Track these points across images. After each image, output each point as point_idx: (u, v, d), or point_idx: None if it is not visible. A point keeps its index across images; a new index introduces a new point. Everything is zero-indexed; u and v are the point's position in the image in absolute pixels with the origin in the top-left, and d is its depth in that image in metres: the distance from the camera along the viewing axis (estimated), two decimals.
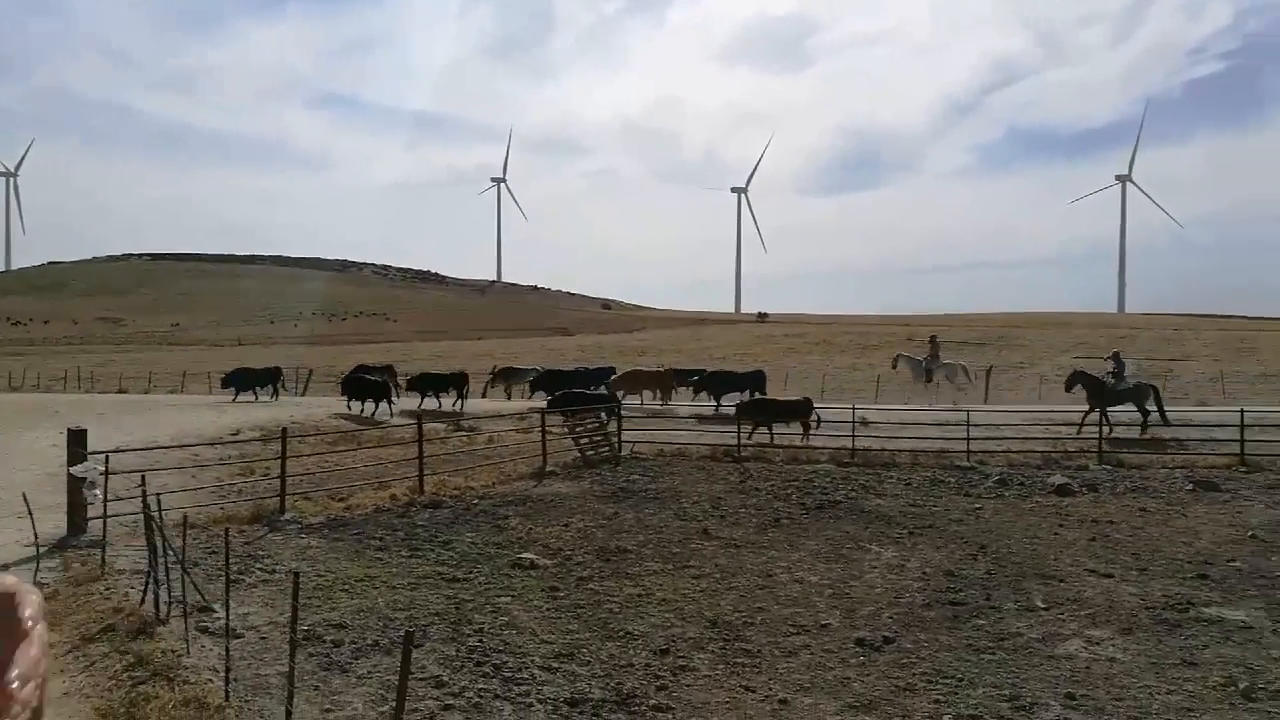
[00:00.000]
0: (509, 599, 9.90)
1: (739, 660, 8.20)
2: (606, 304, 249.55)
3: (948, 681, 7.70)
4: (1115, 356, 23.94)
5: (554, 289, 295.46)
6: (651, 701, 7.22)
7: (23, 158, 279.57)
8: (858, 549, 12.32)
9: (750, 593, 10.31)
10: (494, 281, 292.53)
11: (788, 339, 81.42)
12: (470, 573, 10.93)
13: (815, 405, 22.27)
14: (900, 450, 19.75)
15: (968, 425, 19.55)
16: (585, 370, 33.34)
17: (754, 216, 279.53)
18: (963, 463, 18.84)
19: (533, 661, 8.00)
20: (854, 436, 20.19)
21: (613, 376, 31.36)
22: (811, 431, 21.49)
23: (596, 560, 11.59)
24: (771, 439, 21.64)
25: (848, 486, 16.70)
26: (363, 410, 27.35)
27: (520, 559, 11.47)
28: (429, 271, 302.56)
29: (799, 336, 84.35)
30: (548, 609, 9.63)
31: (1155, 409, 21.83)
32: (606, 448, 20.01)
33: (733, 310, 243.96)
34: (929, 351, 31.35)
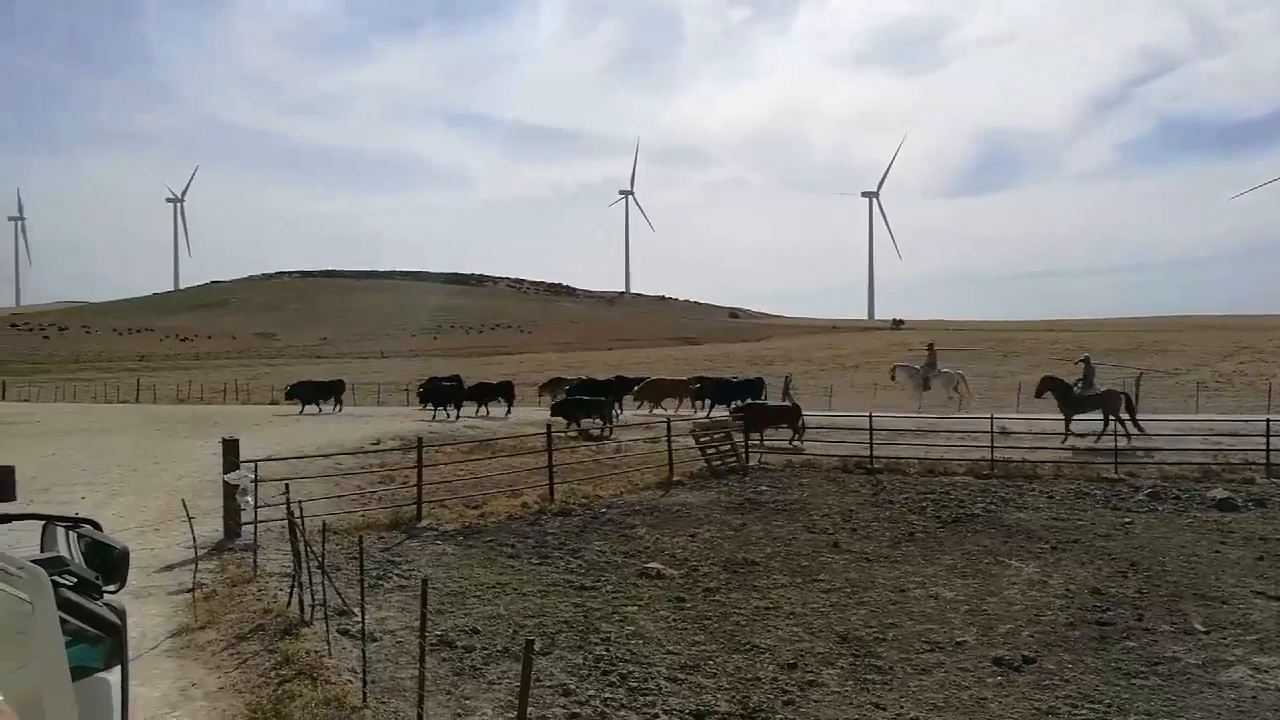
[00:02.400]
0: (636, 608, 9.93)
1: (869, 677, 7.97)
2: (734, 313, 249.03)
3: (1095, 707, 7.26)
4: (1086, 361, 23.54)
5: (682, 299, 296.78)
6: (778, 716, 7.08)
7: (188, 184, 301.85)
8: (996, 564, 11.81)
9: (882, 608, 10.02)
10: (623, 293, 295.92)
11: (923, 346, 79.08)
12: (598, 581, 11.03)
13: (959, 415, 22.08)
14: (1042, 461, 18.85)
15: (1115, 435, 18.50)
16: (623, 379, 35.20)
17: (886, 221, 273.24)
18: (1111, 474, 17.81)
19: (659, 672, 7.98)
20: (993, 447, 19.40)
21: (636, 387, 33.27)
22: (799, 438, 22.09)
23: (723, 572, 11.51)
24: (761, 442, 21.97)
25: (986, 499, 16.06)
26: (435, 415, 31.32)
27: (647, 568, 11.51)
28: (560, 284, 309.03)
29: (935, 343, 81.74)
30: (674, 619, 9.60)
31: (1128, 417, 21.14)
32: (734, 458, 19.88)
33: (866, 317, 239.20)
34: (926, 360, 31.62)
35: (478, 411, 33.07)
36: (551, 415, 26.08)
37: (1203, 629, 9.09)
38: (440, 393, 32.53)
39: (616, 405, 28.11)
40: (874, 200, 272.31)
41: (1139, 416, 21.76)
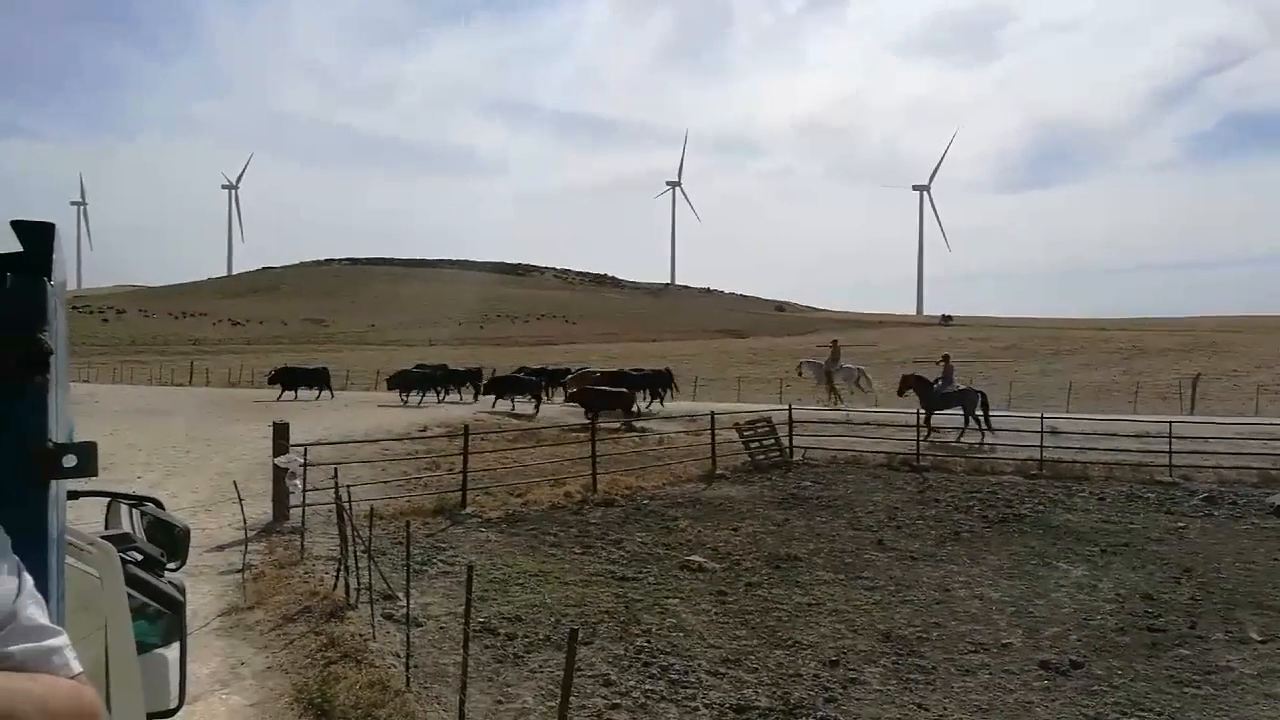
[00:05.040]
0: (677, 601, 9.93)
1: (912, 676, 7.89)
2: (780, 306, 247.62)
3: (1145, 715, 7.11)
4: (945, 360, 25.09)
5: (727, 291, 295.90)
6: (820, 713, 7.05)
7: (243, 171, 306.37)
8: (1044, 566, 11.62)
9: (926, 607, 9.91)
10: (668, 284, 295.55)
11: (973, 343, 77.89)
12: (640, 572, 11.04)
13: (990, 409, 22.71)
14: (1093, 462, 18.49)
15: (1170, 438, 18.07)
16: (563, 369, 37.57)
17: (937, 215, 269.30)
18: (1164, 478, 17.42)
19: (699, 665, 7.98)
20: (1042, 447, 19.07)
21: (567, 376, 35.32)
22: (632, 421, 23.50)
23: (766, 567, 11.46)
24: (595, 423, 22.51)
25: (1034, 499, 15.80)
26: (407, 400, 33.75)
27: (689, 561, 11.49)
28: (606, 275, 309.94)
29: (984, 340, 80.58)
30: (715, 613, 9.59)
31: (982, 414, 22.23)
32: (777, 452, 19.79)
33: (914, 313, 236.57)
34: (830, 356, 33.28)
35: (442, 397, 35.53)
36: (485, 392, 31.07)
37: (1259, 638, 8.85)
38: (408, 379, 35.38)
39: (546, 390, 31.84)
40: (925, 194, 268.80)
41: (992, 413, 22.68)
